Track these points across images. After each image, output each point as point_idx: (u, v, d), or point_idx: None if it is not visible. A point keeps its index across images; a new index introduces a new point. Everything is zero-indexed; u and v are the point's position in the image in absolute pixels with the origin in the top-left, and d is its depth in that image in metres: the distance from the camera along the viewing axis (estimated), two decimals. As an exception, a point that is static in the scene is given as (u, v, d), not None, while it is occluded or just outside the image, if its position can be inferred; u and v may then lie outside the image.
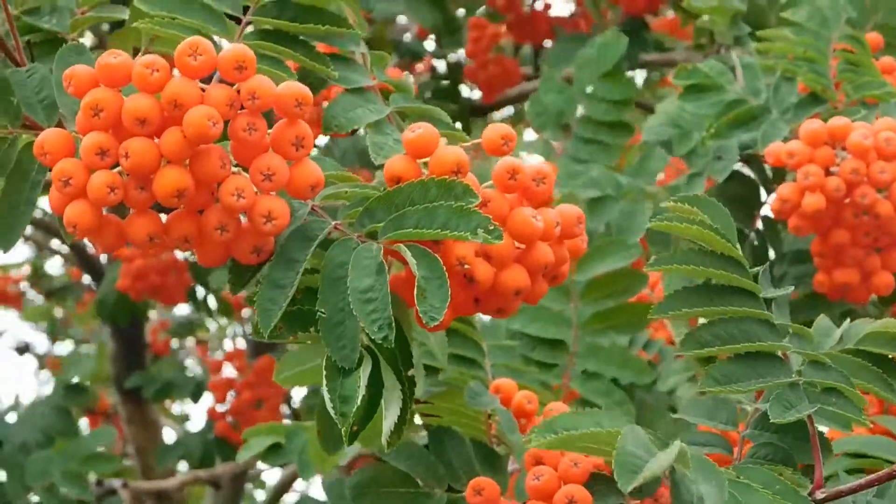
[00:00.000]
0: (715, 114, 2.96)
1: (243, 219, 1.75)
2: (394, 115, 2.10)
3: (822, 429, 1.94)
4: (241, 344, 6.20)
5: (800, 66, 2.93)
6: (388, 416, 1.82)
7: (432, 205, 1.72)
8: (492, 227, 1.71)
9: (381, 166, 1.90)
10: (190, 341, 6.92)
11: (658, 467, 1.60)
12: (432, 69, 5.20)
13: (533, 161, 3.64)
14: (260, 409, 4.67)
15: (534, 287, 1.86)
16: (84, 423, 6.63)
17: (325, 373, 1.73)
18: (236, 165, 1.74)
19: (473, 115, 5.21)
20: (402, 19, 5.36)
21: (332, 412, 1.72)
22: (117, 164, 1.69)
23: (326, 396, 1.73)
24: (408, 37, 5.27)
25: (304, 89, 1.71)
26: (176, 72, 1.70)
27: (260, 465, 5.34)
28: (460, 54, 5.12)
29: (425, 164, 1.82)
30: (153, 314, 5.56)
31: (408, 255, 1.69)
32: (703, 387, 1.86)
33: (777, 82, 2.94)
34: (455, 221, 1.70)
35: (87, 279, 6.30)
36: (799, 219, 2.66)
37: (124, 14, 2.03)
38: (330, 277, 1.74)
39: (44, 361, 7.91)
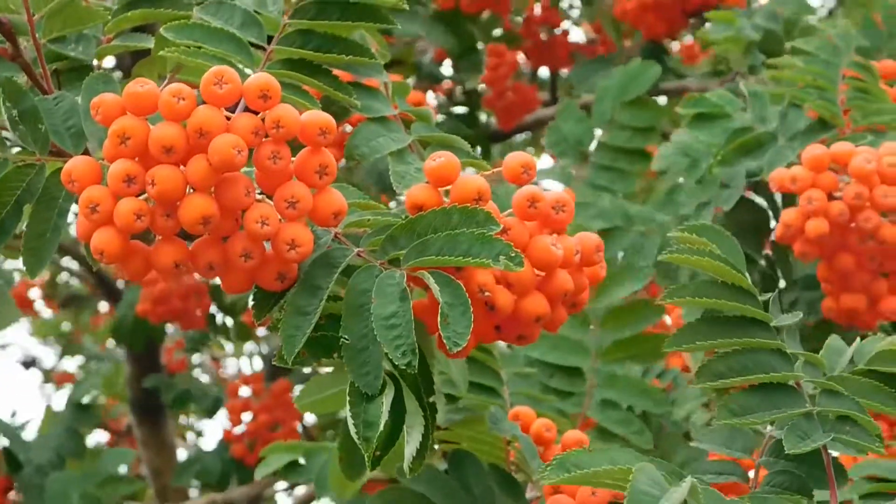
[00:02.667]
0: (722, 142, 2.98)
1: (268, 246, 1.78)
2: (415, 144, 2.13)
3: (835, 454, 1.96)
4: (258, 364, 6.22)
5: (809, 93, 2.94)
6: (411, 441, 1.84)
7: (455, 232, 1.74)
8: (513, 255, 1.73)
9: (401, 193, 1.93)
10: (205, 358, 6.94)
11: (670, 504, 1.61)
12: (450, 94, 5.23)
13: (554, 188, 3.68)
14: (276, 432, 4.69)
15: (554, 314, 1.89)
16: (102, 438, 6.67)
17: (349, 398, 1.75)
18: (261, 193, 1.77)
19: (491, 140, 5.24)
20: (420, 41, 5.39)
21: (355, 437, 1.74)
22: (144, 192, 1.72)
23: (350, 422, 1.74)
24: (427, 58, 5.29)
25: (328, 118, 1.74)
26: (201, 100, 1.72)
27: (276, 487, 5.37)
28: (478, 80, 5.14)
29: (447, 192, 1.85)
30: (169, 333, 5.58)
31: (431, 282, 1.71)
32: (720, 418, 1.88)
33: (785, 109, 2.96)
34: (477, 249, 1.73)
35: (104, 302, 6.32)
36: (804, 244, 2.67)
37: (150, 42, 2.05)
38: (353, 304, 1.76)
39: (50, 376, 7.91)
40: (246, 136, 1.70)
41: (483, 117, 5.26)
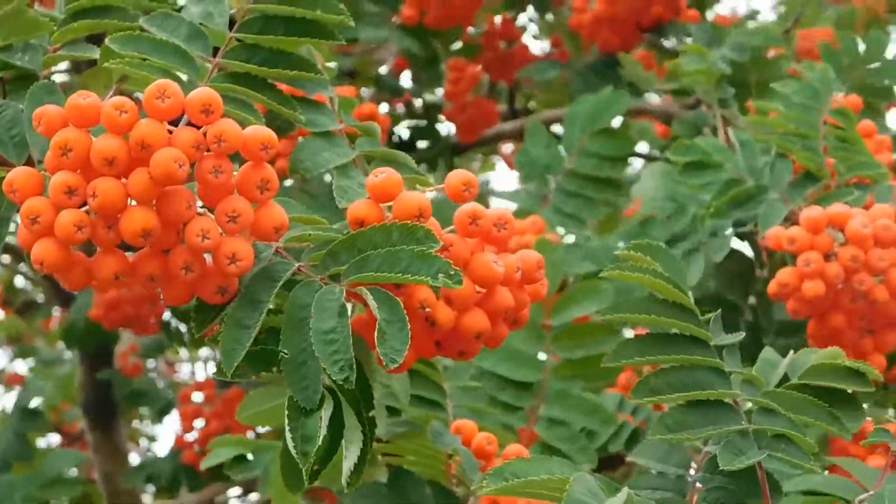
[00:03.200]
0: (711, 189, 3.00)
1: (209, 259, 1.78)
2: (360, 159, 2.14)
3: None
4: (212, 370, 6.20)
5: (793, 142, 2.98)
6: (349, 456, 1.85)
7: (394, 249, 1.75)
8: (452, 272, 1.74)
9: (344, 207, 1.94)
10: (159, 363, 6.93)
11: (606, 514, 1.63)
12: (410, 106, 5.24)
13: (501, 206, 3.70)
14: (228, 440, 4.67)
15: (494, 331, 1.90)
16: (56, 441, 6.63)
17: (287, 413, 1.76)
18: (203, 207, 1.78)
19: (452, 153, 5.25)
20: (379, 52, 5.39)
21: (293, 452, 1.75)
22: (85, 204, 1.72)
23: (289, 436, 1.75)
24: (386, 69, 5.30)
25: (270, 133, 1.75)
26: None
27: (228, 494, 5.35)
28: (438, 93, 5.16)
29: (389, 208, 1.86)
30: (123, 338, 5.55)
31: (369, 298, 1.72)
32: (655, 433, 1.90)
33: (773, 160, 2.99)
34: (417, 266, 1.74)
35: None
36: (797, 302, 2.71)
37: (96, 53, 2.06)
38: (293, 319, 1.77)
39: (2, 377, 7.87)
40: (187, 150, 1.70)
41: (443, 130, 5.26)
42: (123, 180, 1.71)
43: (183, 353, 7.04)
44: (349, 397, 1.84)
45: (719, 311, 2.01)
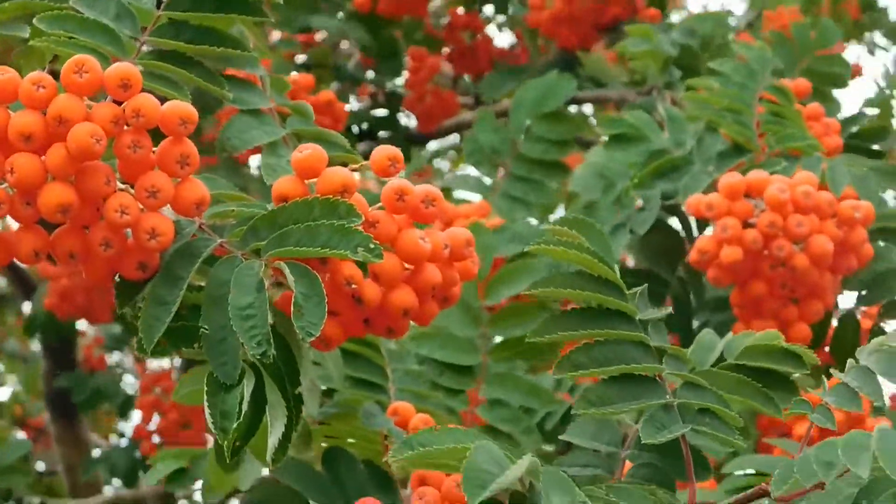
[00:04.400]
0: (639, 163, 3.00)
1: (129, 235, 1.78)
2: (290, 138, 2.13)
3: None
4: (177, 363, 6.18)
5: (724, 116, 2.98)
6: (273, 432, 1.85)
7: (315, 223, 1.75)
8: (372, 246, 1.74)
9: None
10: (129, 359, 6.90)
11: (506, 481, 1.62)
12: (371, 96, 5.23)
13: (470, 198, 3.70)
14: (187, 431, 4.67)
15: (423, 308, 1.90)
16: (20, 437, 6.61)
17: (206, 388, 1.76)
18: (123, 182, 1.77)
19: (412, 142, 5.24)
20: (345, 44, 5.38)
21: (212, 427, 1.75)
22: (3, 180, 1.72)
23: (207, 412, 1.75)
24: (352, 63, 5.29)
25: (189, 108, 1.74)
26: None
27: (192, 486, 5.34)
28: (398, 83, 5.15)
29: (314, 184, 1.86)
30: (89, 330, 5.54)
31: (287, 272, 1.72)
32: (578, 408, 1.89)
33: (701, 133, 2.99)
34: (336, 240, 1.73)
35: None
36: (717, 270, 2.70)
37: (26, 32, 2.05)
38: (213, 295, 1.76)
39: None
40: (105, 125, 1.70)
41: (404, 120, 5.26)
42: (42, 156, 1.71)
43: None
44: (272, 373, 1.83)
45: (645, 286, 2.00)
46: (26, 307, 6.67)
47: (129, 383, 6.12)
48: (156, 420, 4.74)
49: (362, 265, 1.81)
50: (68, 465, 5.10)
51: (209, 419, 1.74)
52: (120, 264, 1.79)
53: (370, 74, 5.24)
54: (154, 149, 1.76)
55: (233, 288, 1.73)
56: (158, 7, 2.03)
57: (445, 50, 5.10)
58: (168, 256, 1.79)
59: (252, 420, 1.82)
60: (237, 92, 2.07)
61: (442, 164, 6.98)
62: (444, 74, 5.26)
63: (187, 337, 1.80)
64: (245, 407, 1.75)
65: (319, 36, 4.97)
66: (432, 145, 6.19)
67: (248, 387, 1.77)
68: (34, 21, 1.95)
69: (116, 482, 5.26)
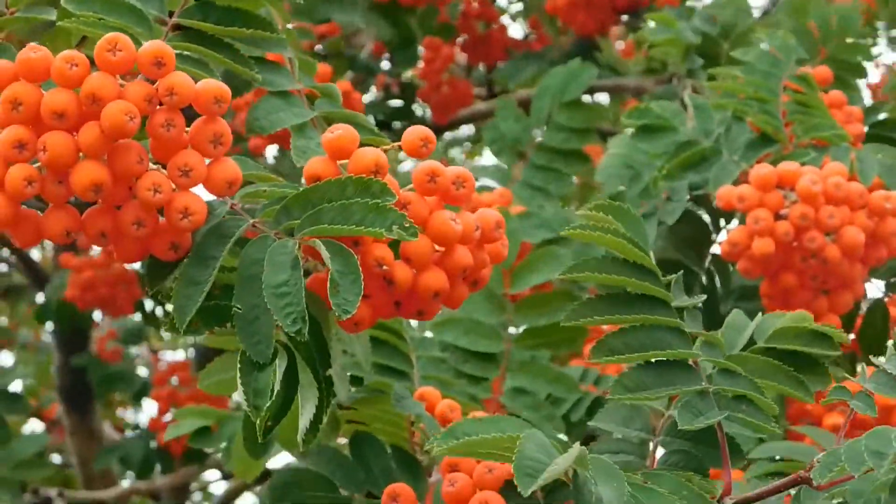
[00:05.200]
0: (667, 155, 2.98)
1: (161, 215, 1.76)
2: (318, 120, 2.12)
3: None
4: (192, 354, 6.18)
5: (751, 105, 2.96)
6: (304, 414, 1.84)
7: (348, 202, 1.74)
8: (407, 225, 1.73)
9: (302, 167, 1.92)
10: (143, 350, 6.89)
11: (557, 470, 1.61)
12: (386, 87, 5.22)
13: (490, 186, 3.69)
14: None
15: (453, 290, 1.88)
16: (37, 427, 6.61)
17: (239, 367, 1.75)
18: (155, 162, 1.76)
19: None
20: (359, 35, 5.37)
21: (245, 406, 1.74)
22: (36, 158, 1.70)
23: (240, 390, 1.74)
24: (365, 52, 5.27)
25: (223, 87, 1.73)
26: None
27: (204, 477, 5.33)
28: (413, 74, 5.14)
29: (345, 165, 1.84)
30: (103, 323, 5.53)
31: (322, 250, 1.71)
32: (614, 394, 1.88)
33: (728, 123, 2.96)
34: (371, 218, 1.72)
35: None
36: (748, 262, 2.69)
37: (52, 15, 2.03)
38: (245, 274, 1.75)
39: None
40: (139, 104, 1.69)
41: (419, 111, 5.25)
42: (74, 135, 1.70)
43: (168, 342, 7.00)
44: (304, 354, 1.82)
45: (681, 272, 1.99)
46: (39, 298, 6.68)
47: (144, 373, 6.11)
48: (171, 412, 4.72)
49: (394, 247, 1.79)
50: (81, 457, 5.09)
51: (242, 398, 1.73)
52: (152, 244, 1.78)
53: (384, 64, 5.22)
54: (186, 128, 1.74)
55: (266, 266, 1.72)
56: (187, -13, 2.02)
57: (459, 40, 5.08)
58: (200, 237, 1.78)
59: (284, 400, 1.81)
60: (265, 74, 2.06)
61: (458, 155, 6.96)
62: (457, 64, 5.24)
63: (220, 316, 1.79)
64: (278, 386, 1.74)
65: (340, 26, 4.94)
66: (446, 136, 6.17)
67: (280, 366, 1.75)
68: (62, 2, 1.93)
69: (130, 475, 5.25)
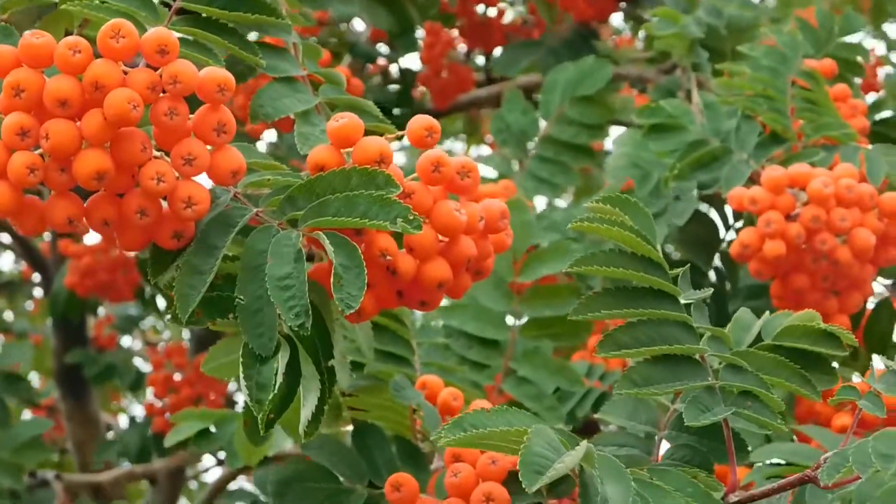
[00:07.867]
0: (677, 154, 2.96)
1: (164, 204, 1.75)
2: (323, 106, 2.10)
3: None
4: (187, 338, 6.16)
5: (759, 103, 2.94)
6: (307, 405, 1.82)
7: (353, 193, 1.72)
8: (412, 217, 1.71)
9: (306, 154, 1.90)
10: (138, 343, 6.88)
11: (564, 467, 1.60)
12: (384, 73, 5.19)
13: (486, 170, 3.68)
14: (199, 406, 4.63)
15: (457, 280, 1.87)
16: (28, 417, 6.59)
17: (242, 360, 1.73)
18: (158, 150, 1.74)
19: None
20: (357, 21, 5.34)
21: (248, 399, 1.72)
22: (38, 146, 1.68)
23: (243, 384, 1.72)
24: (361, 38, 5.25)
25: (227, 75, 1.71)
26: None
27: (201, 465, 5.32)
28: (413, 59, 5.11)
29: (350, 154, 1.82)
30: (101, 308, 5.51)
31: (326, 243, 1.69)
32: (621, 388, 1.86)
33: (739, 122, 2.94)
34: (375, 210, 1.71)
35: (36, 277, 6.22)
36: (759, 263, 2.67)
37: (53, -3, 2.02)
38: (249, 265, 1.74)
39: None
40: (142, 91, 1.67)
41: (417, 96, 5.22)
42: (77, 122, 1.68)
43: (164, 333, 6.98)
44: (307, 345, 1.81)
45: (688, 265, 1.97)
46: (38, 292, 6.66)
47: (140, 365, 6.09)
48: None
49: (397, 236, 1.78)
50: (78, 443, 5.07)
51: (244, 391, 1.71)
52: (155, 233, 1.76)
53: (382, 50, 5.19)
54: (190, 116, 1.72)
55: (270, 258, 1.71)
56: (190, -28, 1.99)
57: (457, 25, 5.05)
58: (203, 225, 1.76)
59: (287, 393, 1.79)
60: (270, 59, 2.04)
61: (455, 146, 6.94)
62: (455, 50, 5.21)
63: (222, 307, 1.77)
64: (280, 379, 1.72)
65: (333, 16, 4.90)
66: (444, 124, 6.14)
67: (283, 359, 1.74)
68: (66, -15, 1.91)
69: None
